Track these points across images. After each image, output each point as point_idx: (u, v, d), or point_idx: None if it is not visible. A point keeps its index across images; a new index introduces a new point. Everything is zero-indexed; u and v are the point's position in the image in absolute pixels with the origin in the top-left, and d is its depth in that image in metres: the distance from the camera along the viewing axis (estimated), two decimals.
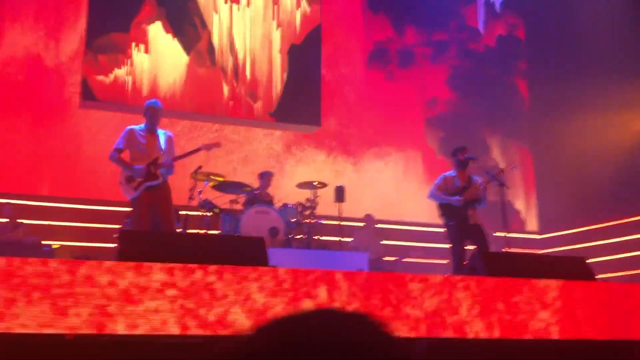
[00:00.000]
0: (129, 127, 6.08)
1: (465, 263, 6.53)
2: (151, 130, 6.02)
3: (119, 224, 7.72)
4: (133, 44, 9.96)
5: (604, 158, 10.49)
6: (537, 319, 4.03)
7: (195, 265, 3.39)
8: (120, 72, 9.77)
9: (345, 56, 11.63)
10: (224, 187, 7.93)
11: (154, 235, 4.79)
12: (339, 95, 11.41)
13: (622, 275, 9.44)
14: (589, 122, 10.89)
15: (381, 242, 9.49)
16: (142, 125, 6.05)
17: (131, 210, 6.07)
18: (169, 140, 6.07)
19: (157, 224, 5.80)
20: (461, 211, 6.76)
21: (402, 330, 3.62)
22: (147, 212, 5.79)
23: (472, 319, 3.84)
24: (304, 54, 11.01)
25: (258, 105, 10.55)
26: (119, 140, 6.01)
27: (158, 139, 5.98)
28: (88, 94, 9.55)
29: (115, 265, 3.26)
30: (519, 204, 12.18)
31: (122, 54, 9.83)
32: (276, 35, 10.98)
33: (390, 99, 11.74)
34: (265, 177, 8.52)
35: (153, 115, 6.02)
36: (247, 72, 10.64)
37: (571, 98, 11.11)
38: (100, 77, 9.64)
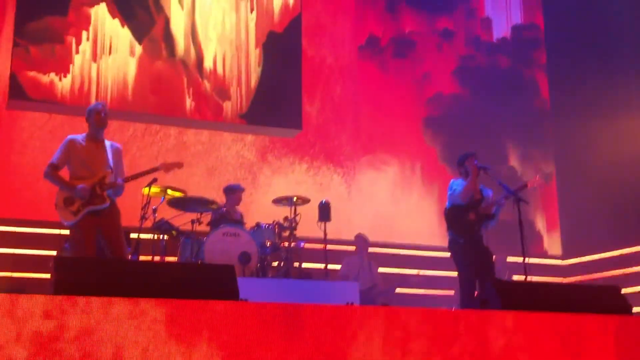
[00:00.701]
0: (68, 136, 6.02)
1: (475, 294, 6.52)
2: (96, 140, 5.97)
3: (56, 250, 7.63)
4: (73, 31, 9.88)
5: (637, 168, 10.58)
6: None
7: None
8: (56, 66, 9.67)
9: (332, 46, 11.66)
10: (183, 204, 7.84)
11: (97, 262, 4.71)
12: (324, 93, 11.42)
13: None
14: (622, 126, 10.98)
15: (378, 269, 9.44)
16: (85, 135, 6.00)
17: (70, 236, 6.00)
18: (117, 153, 6.03)
19: (111, 251, 5.74)
20: (475, 229, 6.73)
21: None
22: (90, 237, 5.71)
23: None
24: (282, 44, 11.02)
25: (227, 106, 10.52)
26: (55, 154, 5.93)
27: (105, 152, 5.92)
28: (17, 92, 9.43)
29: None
30: (539, 224, 12.23)
31: (59, 44, 9.75)
32: (250, 21, 10.97)
33: (385, 96, 11.77)
34: (233, 191, 8.46)
35: (97, 120, 5.96)
36: (214, 66, 10.61)
37: (600, 97, 11.22)
38: (33, 73, 9.55)
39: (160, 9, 10.44)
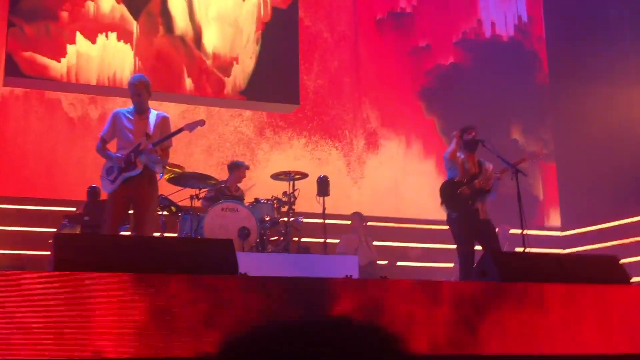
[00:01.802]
0: (115, 110, 6.17)
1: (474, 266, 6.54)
2: (140, 112, 6.02)
3: (55, 227, 7.65)
4: (67, 7, 9.80)
5: (638, 140, 10.58)
6: (569, 330, 4.05)
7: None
8: (52, 44, 9.60)
9: (330, 19, 11.59)
10: (182, 179, 7.86)
11: (97, 239, 4.73)
12: (321, 66, 11.38)
13: None
14: (620, 96, 10.98)
15: (373, 243, 9.50)
16: (130, 107, 6.07)
17: (105, 204, 6.08)
18: (162, 121, 6.07)
19: (135, 226, 5.86)
20: (468, 203, 6.74)
21: None
22: (118, 209, 5.86)
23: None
24: (283, 20, 10.95)
25: (227, 82, 10.47)
26: (104, 128, 6.07)
27: (147, 122, 5.98)
28: (12, 69, 9.39)
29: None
30: (537, 195, 12.25)
31: (53, 21, 9.67)
32: None
33: (384, 69, 11.73)
34: (237, 167, 8.44)
35: (134, 93, 6.00)
36: (212, 42, 10.54)
37: (598, 70, 11.21)
38: (28, 53, 9.47)
39: None
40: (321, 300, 3.67)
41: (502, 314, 3.95)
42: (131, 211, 6.01)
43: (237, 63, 10.60)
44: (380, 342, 0.95)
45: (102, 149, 6.00)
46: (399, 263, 10.02)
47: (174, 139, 6.12)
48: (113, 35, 9.98)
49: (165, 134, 6.00)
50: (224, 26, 10.66)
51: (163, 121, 6.08)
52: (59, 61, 9.59)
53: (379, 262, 9.60)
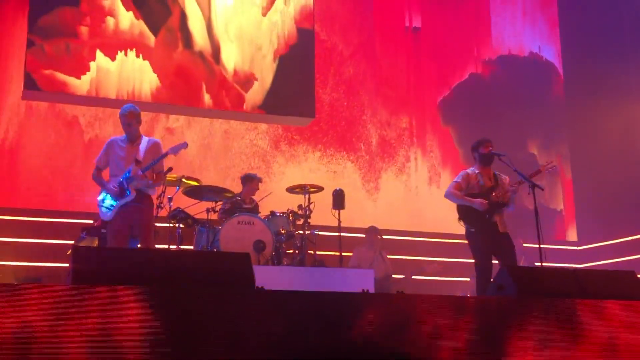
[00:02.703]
0: (110, 138, 6.42)
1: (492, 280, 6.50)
2: (132, 140, 6.28)
3: (73, 239, 7.67)
4: (86, 23, 9.85)
5: None
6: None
7: None
8: (71, 61, 9.64)
9: (344, 30, 11.61)
10: (198, 193, 7.88)
11: (114, 252, 4.74)
12: (336, 79, 11.39)
13: None
14: (636, 110, 10.94)
15: (388, 257, 9.46)
16: (124, 135, 6.33)
17: (107, 232, 6.33)
18: (152, 147, 6.29)
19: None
20: (486, 216, 6.70)
21: None
22: (122, 233, 6.09)
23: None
24: (301, 37, 11.01)
25: (248, 96, 10.51)
26: (98, 156, 6.36)
27: (138, 149, 6.23)
28: (31, 84, 9.45)
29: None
30: (554, 209, 12.19)
31: (73, 39, 9.72)
32: (272, 15, 10.93)
33: (398, 79, 11.73)
34: (250, 180, 8.50)
35: (125, 123, 6.26)
36: (231, 57, 10.57)
37: (614, 82, 11.18)
38: (49, 72, 9.51)
39: (174, 1, 10.40)
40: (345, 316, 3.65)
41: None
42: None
43: (256, 79, 10.62)
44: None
45: (97, 177, 6.29)
46: (414, 277, 9.96)
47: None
48: (132, 52, 10.02)
49: (153, 159, 6.20)
50: (243, 43, 10.68)
51: (154, 146, 6.32)
52: (79, 78, 9.64)
53: (394, 275, 9.56)
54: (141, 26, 10.11)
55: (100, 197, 6.20)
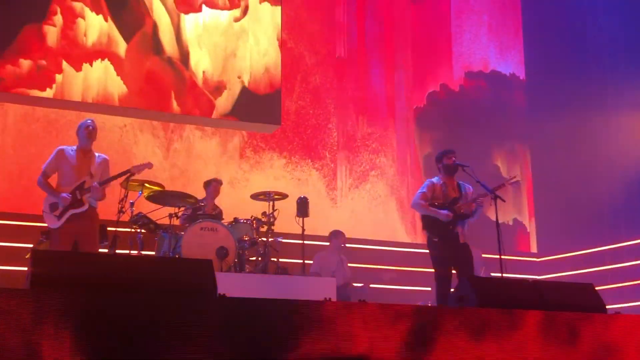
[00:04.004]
0: (59, 147, 6.53)
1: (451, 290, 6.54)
2: (84, 151, 6.47)
3: (32, 243, 7.55)
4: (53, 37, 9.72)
5: (614, 167, 10.69)
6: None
7: None
8: (38, 76, 9.50)
9: (311, 38, 11.62)
10: (161, 198, 7.79)
11: (75, 256, 4.67)
12: (302, 87, 11.40)
13: (636, 306, 9.58)
14: (596, 124, 11.10)
15: (349, 265, 9.44)
16: (75, 146, 6.50)
17: (49, 242, 6.46)
18: (103, 162, 6.51)
19: None
20: (450, 227, 6.75)
21: None
22: (67, 242, 6.14)
23: None
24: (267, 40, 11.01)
25: (219, 103, 10.46)
26: (46, 162, 6.44)
27: (90, 161, 6.43)
28: None
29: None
30: (514, 221, 12.32)
31: (40, 55, 9.54)
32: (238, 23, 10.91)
33: (364, 88, 11.78)
34: (210, 184, 8.48)
35: (87, 134, 6.45)
36: (200, 64, 10.51)
37: (573, 95, 11.35)
38: (9, 67, 9.38)
39: (146, 9, 10.31)
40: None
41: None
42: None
43: (226, 87, 10.58)
44: None
45: (44, 184, 6.38)
46: (371, 285, 9.95)
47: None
48: (101, 62, 9.89)
49: (104, 175, 6.44)
50: (214, 50, 10.64)
51: (104, 162, 6.54)
52: (44, 90, 9.52)
53: (354, 284, 9.55)
54: (111, 31, 10.00)
55: (47, 203, 6.27)
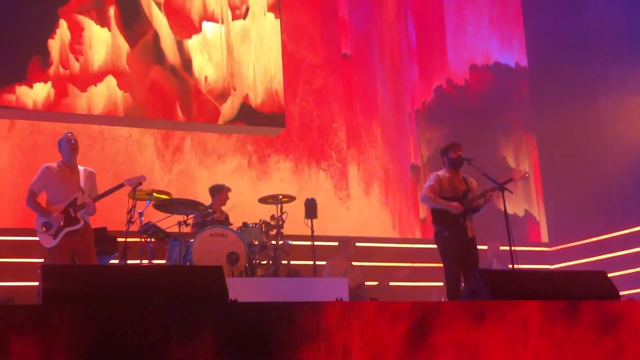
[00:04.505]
0: (45, 165, 6.45)
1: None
2: (69, 166, 6.41)
3: (42, 258, 7.56)
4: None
5: (622, 153, 10.66)
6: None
7: None
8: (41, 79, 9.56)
9: (315, 44, 11.62)
10: (169, 206, 7.80)
11: (85, 270, 4.69)
12: (306, 89, 11.39)
13: None
14: (601, 110, 11.06)
15: (359, 265, 9.40)
16: (59, 162, 6.44)
17: (49, 259, 6.27)
18: (90, 176, 6.46)
19: None
20: (460, 221, 6.73)
21: None
22: (66, 259, 6.09)
23: None
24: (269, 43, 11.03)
25: (225, 108, 10.48)
26: (33, 181, 6.37)
27: (78, 176, 6.36)
28: None
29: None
30: (524, 211, 12.28)
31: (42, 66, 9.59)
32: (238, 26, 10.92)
33: (369, 88, 11.77)
34: (219, 191, 8.44)
35: (70, 148, 6.39)
36: (204, 70, 10.53)
37: (577, 82, 11.30)
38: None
39: (149, 16, 10.34)
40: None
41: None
42: None
43: (231, 92, 10.59)
44: None
45: (33, 203, 6.30)
46: (390, 283, 9.94)
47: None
48: (108, 79, 9.94)
49: (92, 189, 6.39)
50: (213, 53, 10.65)
51: (91, 175, 6.49)
52: (37, 90, 9.54)
53: (367, 283, 9.53)
54: (115, 42, 10.03)
55: (40, 223, 6.22)
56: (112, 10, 10.10)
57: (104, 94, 9.83)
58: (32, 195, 6.31)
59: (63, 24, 9.80)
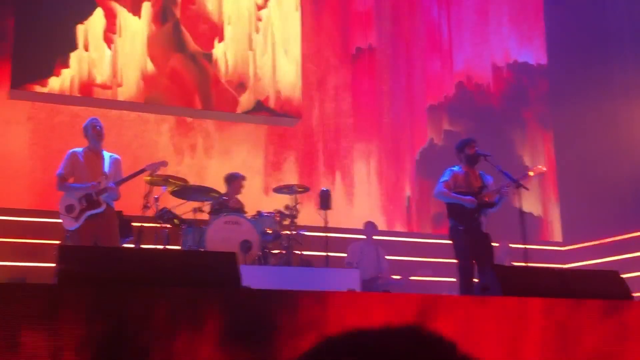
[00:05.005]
0: (70, 150, 6.59)
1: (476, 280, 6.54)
2: (94, 151, 6.56)
3: (59, 239, 7.64)
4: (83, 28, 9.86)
5: (638, 153, 10.60)
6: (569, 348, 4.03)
7: None
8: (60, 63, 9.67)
9: (331, 41, 11.61)
10: (185, 193, 7.86)
11: (101, 251, 4.73)
12: (324, 79, 11.40)
13: None
14: (620, 110, 11.00)
15: (385, 257, 9.39)
16: (84, 147, 6.60)
17: (70, 241, 6.44)
18: (115, 162, 6.60)
19: None
20: (474, 215, 6.73)
21: None
22: (87, 242, 6.22)
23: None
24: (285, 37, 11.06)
25: (243, 99, 10.54)
26: (60, 166, 6.51)
27: (102, 161, 6.49)
28: (19, 81, 9.44)
29: None
30: (538, 210, 12.25)
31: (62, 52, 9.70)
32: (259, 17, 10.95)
33: (386, 83, 11.76)
34: (234, 179, 8.48)
35: (95, 134, 6.54)
36: (224, 59, 10.58)
37: (596, 80, 11.25)
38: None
39: (171, 3, 10.42)
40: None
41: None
42: None
43: (249, 83, 10.64)
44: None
45: (66, 185, 6.46)
46: (411, 277, 9.89)
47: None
48: (128, 49, 10.03)
49: (117, 175, 6.52)
50: (233, 42, 10.69)
51: (117, 162, 6.63)
52: (63, 77, 9.66)
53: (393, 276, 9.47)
54: (138, 26, 10.11)
55: (64, 205, 6.33)
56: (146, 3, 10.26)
57: (127, 80, 9.94)
58: (61, 180, 6.45)
59: (99, 11, 9.97)
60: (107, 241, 6.29)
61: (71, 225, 6.30)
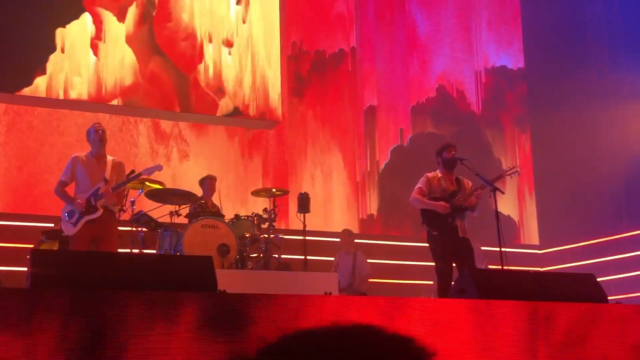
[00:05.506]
0: (73, 155, 6.60)
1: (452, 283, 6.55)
2: (97, 156, 6.53)
3: (32, 243, 7.57)
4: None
5: (615, 158, 10.69)
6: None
7: None
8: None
9: (315, 40, 11.62)
10: (162, 196, 7.80)
11: (74, 255, 4.69)
12: (306, 79, 11.39)
13: (636, 297, 9.60)
14: (597, 114, 11.10)
15: (367, 261, 9.39)
16: (87, 152, 6.56)
17: (69, 246, 6.47)
18: (116, 166, 6.57)
19: None
20: (448, 220, 6.76)
21: None
22: (85, 247, 6.20)
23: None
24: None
25: (223, 103, 10.53)
26: (63, 172, 6.54)
27: (104, 166, 6.49)
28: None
29: None
30: (515, 213, 12.32)
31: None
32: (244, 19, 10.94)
33: (372, 82, 11.77)
34: (206, 181, 8.44)
35: (97, 139, 6.51)
36: (205, 62, 10.56)
37: (573, 85, 11.34)
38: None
39: (152, 6, 10.38)
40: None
41: None
42: None
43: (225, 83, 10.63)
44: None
45: (61, 192, 6.48)
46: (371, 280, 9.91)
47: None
48: (111, 50, 9.99)
49: (120, 179, 6.51)
50: (216, 46, 10.69)
51: (119, 166, 6.61)
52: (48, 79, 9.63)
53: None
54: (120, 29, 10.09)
55: (65, 211, 6.37)
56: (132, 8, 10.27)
57: (103, 76, 9.89)
58: (60, 185, 6.48)
59: (82, 15, 10.00)
60: (105, 246, 6.30)
61: (70, 230, 6.34)
